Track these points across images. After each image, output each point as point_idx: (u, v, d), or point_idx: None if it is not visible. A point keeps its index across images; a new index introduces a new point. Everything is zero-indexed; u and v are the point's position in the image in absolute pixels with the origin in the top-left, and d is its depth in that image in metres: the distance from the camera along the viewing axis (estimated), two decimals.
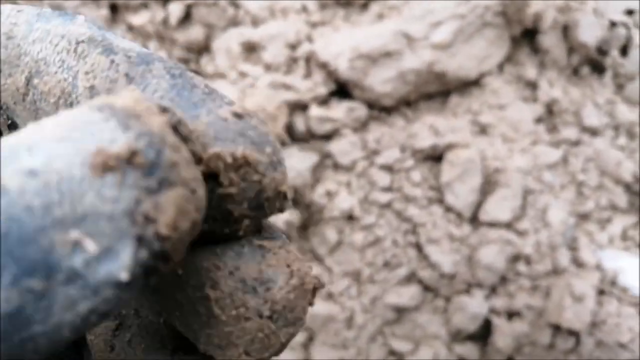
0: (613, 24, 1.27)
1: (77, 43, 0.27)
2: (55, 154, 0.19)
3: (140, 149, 0.20)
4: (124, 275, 0.19)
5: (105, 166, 0.19)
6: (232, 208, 0.25)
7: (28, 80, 0.28)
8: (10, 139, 0.20)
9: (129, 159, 0.20)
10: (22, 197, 0.19)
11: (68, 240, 0.19)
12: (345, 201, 1.17)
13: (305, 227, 1.18)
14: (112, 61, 0.27)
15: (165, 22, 1.37)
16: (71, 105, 0.27)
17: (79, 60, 0.27)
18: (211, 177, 0.25)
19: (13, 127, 0.30)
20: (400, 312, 1.12)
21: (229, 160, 0.25)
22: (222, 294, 0.26)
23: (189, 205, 0.21)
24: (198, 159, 0.24)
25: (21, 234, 0.18)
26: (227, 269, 0.26)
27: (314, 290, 0.29)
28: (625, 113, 1.23)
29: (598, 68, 1.28)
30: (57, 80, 0.27)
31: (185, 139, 0.23)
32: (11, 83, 0.29)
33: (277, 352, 0.28)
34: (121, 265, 0.19)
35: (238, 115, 0.26)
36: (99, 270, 0.19)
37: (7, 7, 0.30)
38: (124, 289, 0.20)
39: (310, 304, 0.28)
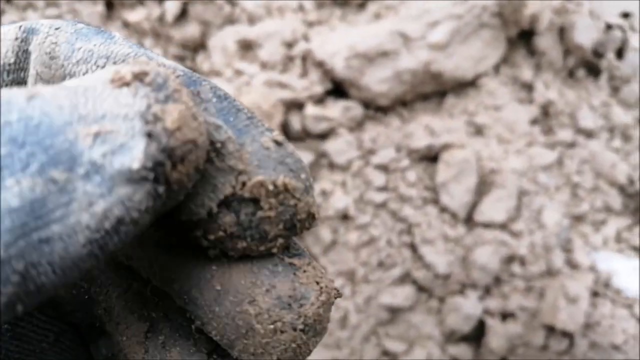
0: (609, 27, 1.27)
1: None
2: (83, 79, 0.24)
3: (150, 72, 0.24)
4: (135, 164, 0.22)
5: (122, 82, 0.23)
6: (269, 229, 0.28)
7: None
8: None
9: (141, 78, 0.23)
10: (55, 99, 0.22)
11: (90, 133, 0.22)
12: (340, 200, 1.16)
13: None
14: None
15: (161, 19, 1.37)
16: None
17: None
18: (252, 201, 0.27)
19: None
20: (394, 312, 1.12)
21: (271, 187, 0.27)
22: (260, 309, 0.28)
23: (191, 121, 0.24)
24: (241, 185, 0.27)
25: (51, 126, 0.21)
26: (264, 287, 0.29)
27: (333, 302, 0.32)
28: (621, 115, 1.24)
29: (594, 70, 1.28)
30: None
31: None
32: None
33: (305, 357, 0.30)
34: (134, 156, 0.22)
35: (278, 143, 0.28)
36: (114, 161, 0.22)
37: (45, 24, 0.32)
38: (135, 185, 0.22)
39: (337, 297, 0.32)
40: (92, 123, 0.22)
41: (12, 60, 0.32)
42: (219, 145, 0.27)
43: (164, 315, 0.32)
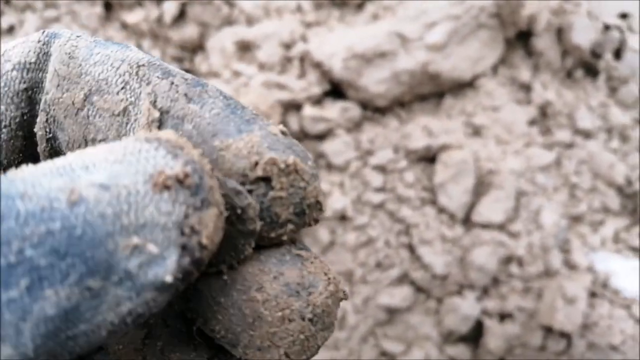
0: (607, 27, 1.27)
1: (138, 67, 0.31)
2: (119, 172, 0.23)
3: (190, 173, 0.23)
4: (168, 278, 0.22)
5: (164, 185, 0.23)
6: (280, 211, 0.28)
7: (86, 97, 0.31)
8: (58, 161, 0.23)
9: (182, 181, 0.23)
10: (98, 206, 0.22)
11: (129, 245, 0.22)
12: (338, 201, 1.16)
13: None
14: (172, 83, 0.30)
15: (159, 20, 1.37)
16: (127, 124, 0.30)
17: (141, 83, 0.30)
18: (264, 181, 0.28)
19: (53, 139, 0.33)
20: (392, 313, 1.12)
21: (282, 166, 0.28)
22: (268, 296, 0.28)
23: (220, 224, 0.25)
24: (254, 164, 0.28)
25: (94, 238, 0.21)
26: (272, 274, 0.28)
27: (340, 300, 0.31)
28: (619, 116, 1.23)
29: (592, 71, 1.28)
30: (119, 99, 0.30)
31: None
32: (67, 97, 0.31)
33: (313, 355, 0.30)
34: (168, 269, 0.22)
35: (284, 133, 0.29)
36: (149, 272, 0.22)
37: (67, 32, 0.33)
38: (164, 292, 0.23)
39: (344, 299, 0.31)
40: (133, 234, 0.22)
41: (33, 60, 0.33)
42: (239, 211, 0.28)
43: (162, 321, 0.32)
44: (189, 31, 1.37)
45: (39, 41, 0.33)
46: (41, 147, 0.33)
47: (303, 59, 1.27)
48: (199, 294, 0.29)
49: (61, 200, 0.21)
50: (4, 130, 0.33)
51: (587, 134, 1.23)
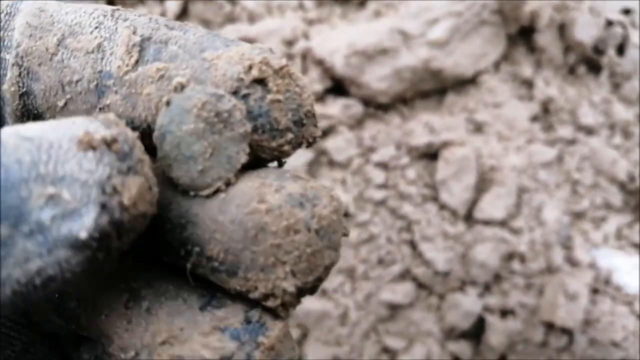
0: (609, 23, 1.27)
1: (114, 10, 0.30)
2: (47, 131, 0.23)
3: (119, 140, 0.23)
4: (83, 234, 0.21)
5: (89, 144, 0.23)
6: (279, 116, 0.27)
7: (60, 41, 0.30)
8: (9, 127, 0.23)
9: (109, 144, 0.23)
10: (16, 152, 0.21)
11: (45, 194, 0.21)
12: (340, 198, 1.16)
13: None
14: (151, 18, 0.30)
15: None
16: (102, 59, 0.29)
17: (117, 21, 0.29)
18: (260, 84, 0.27)
19: (26, 95, 0.32)
20: (394, 309, 1.12)
21: (276, 66, 0.27)
22: (271, 205, 0.26)
23: (148, 195, 0.24)
24: (248, 67, 0.27)
25: (6, 180, 0.21)
26: (273, 187, 0.27)
27: (344, 233, 0.29)
28: (621, 112, 1.23)
29: (594, 67, 1.28)
30: (93, 37, 0.30)
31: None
32: (40, 44, 0.31)
33: (320, 279, 0.28)
34: (84, 225, 0.21)
35: (272, 51, 0.29)
36: (62, 226, 0.21)
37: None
38: (78, 252, 0.22)
39: (345, 234, 0.29)
40: (49, 184, 0.21)
41: None
42: (225, 115, 0.27)
43: (146, 283, 0.30)
44: None
45: (6, 4, 0.32)
46: (12, 106, 0.32)
47: (305, 56, 1.27)
48: (195, 218, 0.27)
49: None
50: None
51: (589, 130, 1.23)
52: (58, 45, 0.30)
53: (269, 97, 0.27)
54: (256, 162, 0.29)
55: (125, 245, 0.24)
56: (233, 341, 0.27)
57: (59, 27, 0.31)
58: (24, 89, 0.32)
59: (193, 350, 0.27)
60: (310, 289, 0.28)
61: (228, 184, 0.28)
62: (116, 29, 0.30)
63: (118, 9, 0.30)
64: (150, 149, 0.29)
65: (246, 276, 0.27)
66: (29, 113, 0.33)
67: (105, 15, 0.30)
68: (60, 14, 0.31)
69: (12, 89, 0.32)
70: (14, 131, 0.22)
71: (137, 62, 0.29)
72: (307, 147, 0.30)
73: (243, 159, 0.27)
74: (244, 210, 0.26)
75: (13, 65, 0.31)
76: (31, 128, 0.23)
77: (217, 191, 0.27)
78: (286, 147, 0.28)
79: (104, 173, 0.22)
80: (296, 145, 0.29)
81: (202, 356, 0.27)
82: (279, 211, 0.26)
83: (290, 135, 0.28)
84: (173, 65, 0.28)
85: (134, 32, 0.29)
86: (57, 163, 0.22)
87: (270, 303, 0.27)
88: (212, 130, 0.27)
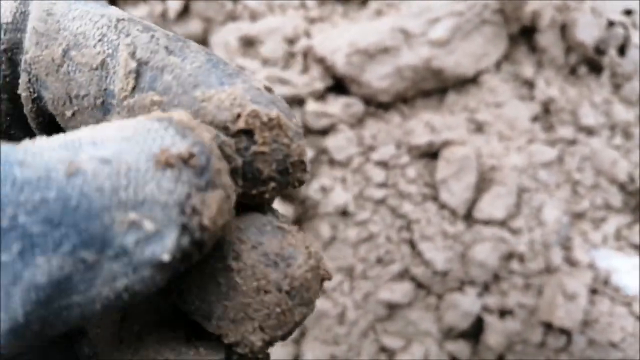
0: (611, 24, 1.26)
1: (118, 20, 0.30)
2: (123, 149, 0.22)
3: (196, 154, 0.23)
4: (166, 257, 0.22)
5: (167, 163, 0.23)
6: (262, 167, 0.27)
7: (65, 52, 0.30)
8: (69, 135, 0.23)
9: (186, 160, 0.23)
10: (95, 179, 0.22)
11: (126, 220, 0.22)
12: (339, 197, 1.16)
13: (299, 222, 1.18)
14: (152, 36, 0.29)
15: (163, 15, 1.38)
16: (106, 77, 0.29)
17: (119, 35, 0.29)
18: (247, 134, 0.27)
19: (38, 99, 0.32)
20: (392, 308, 1.12)
21: (265, 119, 0.27)
22: (244, 265, 0.27)
23: (226, 206, 0.24)
24: (236, 116, 0.27)
25: (89, 210, 0.21)
26: (250, 243, 0.27)
27: (323, 280, 0.30)
28: (622, 113, 1.23)
29: (595, 67, 1.28)
30: (96, 52, 0.29)
31: (226, 157, 0.27)
32: (47, 54, 0.30)
33: (290, 332, 0.28)
34: (165, 247, 0.22)
35: (268, 89, 0.29)
36: (145, 250, 0.22)
37: None
38: (161, 271, 0.22)
39: (327, 278, 0.30)
40: (131, 210, 0.22)
41: (9, 20, 0.32)
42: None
43: (139, 307, 0.31)
44: (193, 26, 1.37)
45: (16, 0, 0.32)
46: (27, 108, 0.32)
47: (306, 54, 1.27)
48: None
49: (59, 170, 0.21)
50: None
51: (590, 131, 1.22)
52: (63, 56, 0.30)
53: (254, 148, 0.27)
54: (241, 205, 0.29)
55: (210, 247, 0.25)
56: None
57: (64, 35, 0.30)
58: (35, 94, 0.32)
59: None
60: (280, 340, 0.29)
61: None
62: (118, 45, 0.30)
63: (122, 19, 0.30)
64: None
65: (218, 324, 0.27)
66: (44, 115, 0.33)
67: (109, 27, 0.30)
68: (67, 19, 0.31)
69: (24, 93, 0.32)
70: (92, 152, 0.22)
71: (134, 88, 0.29)
72: (293, 188, 0.30)
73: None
74: (218, 265, 0.27)
75: (23, 70, 0.32)
76: (106, 144, 0.23)
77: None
78: (267, 195, 0.29)
79: (183, 192, 0.23)
80: (279, 192, 0.29)
81: None
82: (251, 271, 0.27)
83: (272, 184, 0.28)
84: (166, 99, 0.28)
85: (133, 54, 0.29)
86: (137, 187, 0.22)
87: (240, 350, 0.28)
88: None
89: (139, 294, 0.23)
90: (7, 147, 0.22)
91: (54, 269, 0.21)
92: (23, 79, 0.32)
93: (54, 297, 0.21)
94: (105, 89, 0.30)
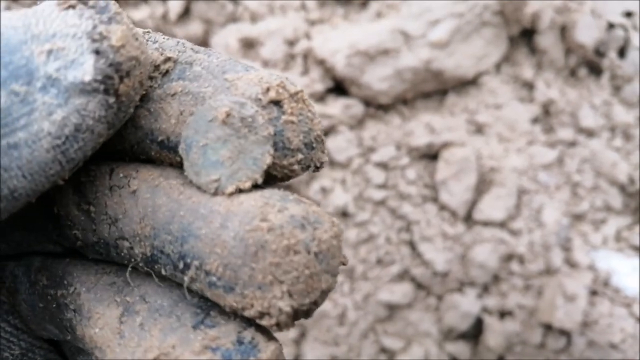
0: (611, 26, 1.27)
1: (144, 32, 0.32)
2: (34, 4, 0.26)
3: None
4: (87, 77, 0.24)
5: (68, 4, 0.25)
6: (292, 136, 0.29)
7: None
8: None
9: (85, 1, 0.26)
10: (9, 20, 0.25)
11: (43, 50, 0.24)
12: (339, 198, 1.17)
13: None
14: (178, 42, 0.32)
15: (164, 17, 1.38)
16: None
17: (147, 42, 0.32)
18: (276, 105, 0.29)
19: None
20: (392, 309, 1.12)
21: (292, 90, 0.29)
22: (273, 225, 0.27)
23: (133, 40, 0.26)
24: (265, 89, 0.29)
25: (8, 44, 0.24)
26: (276, 207, 0.27)
27: (341, 262, 0.30)
28: (622, 114, 1.23)
29: (595, 69, 1.28)
30: None
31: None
32: None
33: (316, 303, 0.28)
34: (85, 71, 0.25)
35: (287, 78, 0.31)
36: (68, 75, 0.24)
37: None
38: (88, 96, 0.25)
39: (338, 271, 0.29)
40: (45, 42, 0.24)
41: None
42: (249, 120, 0.28)
43: (140, 298, 0.30)
44: (194, 28, 1.37)
45: None
46: None
47: (306, 56, 1.28)
48: (198, 232, 0.28)
49: None
50: None
51: (590, 133, 1.23)
52: None
53: (284, 117, 0.29)
54: (265, 179, 0.30)
55: (132, 91, 0.27)
56: None
57: None
58: None
59: None
60: (305, 311, 0.28)
61: (255, 185, 0.29)
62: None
63: (148, 32, 0.32)
64: (169, 161, 0.31)
65: (243, 293, 0.27)
66: None
67: None
68: None
69: None
70: (3, 9, 0.26)
71: (164, 80, 0.31)
72: (314, 171, 0.32)
73: (268, 160, 0.28)
74: (246, 227, 0.27)
75: None
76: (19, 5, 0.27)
77: (241, 191, 0.28)
78: (296, 167, 0.30)
79: (89, 25, 0.25)
80: (305, 167, 0.30)
81: None
82: (280, 230, 0.27)
83: (300, 156, 0.29)
84: (196, 84, 0.30)
85: (161, 54, 0.31)
86: (45, 23, 0.25)
87: (265, 322, 0.27)
88: (238, 135, 0.28)
89: (80, 128, 0.25)
90: None
91: None
92: None
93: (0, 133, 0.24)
94: None
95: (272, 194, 0.28)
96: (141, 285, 0.31)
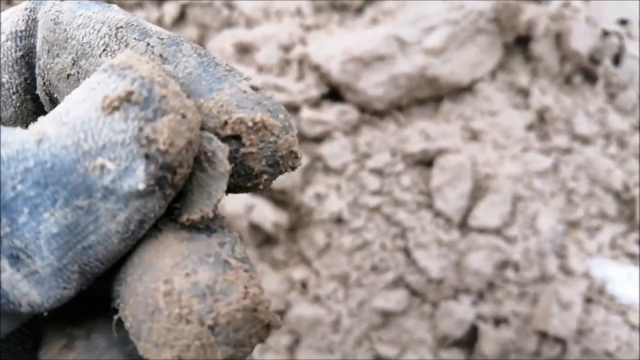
0: (606, 33, 1.27)
1: (117, 29, 0.32)
2: (76, 107, 0.26)
3: (135, 90, 0.26)
4: (141, 185, 0.25)
5: (112, 107, 0.25)
6: (253, 165, 0.30)
7: (74, 61, 0.33)
8: (47, 117, 0.27)
9: (128, 98, 0.25)
10: (59, 139, 0.25)
11: (96, 165, 0.25)
12: (334, 204, 1.16)
13: (293, 229, 1.17)
14: (148, 44, 0.32)
15: (160, 21, 1.37)
16: None
17: (120, 45, 0.32)
18: (235, 139, 0.29)
19: (53, 102, 0.35)
20: (387, 316, 1.12)
21: (250, 124, 0.29)
22: (171, 289, 0.27)
23: (181, 127, 0.26)
24: (223, 123, 0.29)
25: (63, 167, 0.25)
26: (186, 270, 0.27)
27: (268, 327, 0.29)
28: (617, 122, 1.23)
29: (590, 77, 1.28)
30: (101, 62, 0.32)
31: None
32: (58, 63, 0.33)
33: None
34: (139, 178, 0.25)
35: (255, 88, 0.30)
36: (123, 185, 0.25)
37: None
38: (146, 197, 0.26)
39: (261, 339, 0.29)
40: (96, 156, 0.25)
41: (22, 28, 0.35)
42: (210, 154, 0.29)
43: (85, 332, 0.31)
44: (189, 33, 1.37)
45: (26, 9, 0.35)
46: (47, 108, 0.35)
47: (302, 61, 1.27)
48: (128, 277, 0.28)
49: (30, 141, 0.25)
50: (13, 97, 0.36)
51: (585, 140, 1.23)
52: (73, 64, 0.33)
53: (242, 150, 0.29)
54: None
55: (186, 172, 0.27)
56: None
57: (72, 44, 0.33)
58: (51, 97, 0.35)
59: None
60: None
61: (205, 217, 0.29)
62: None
63: (121, 27, 0.32)
64: None
65: (145, 346, 0.28)
66: None
67: (110, 36, 0.32)
68: (73, 27, 0.33)
69: (42, 95, 0.35)
70: (52, 118, 0.26)
71: None
72: (287, 172, 0.33)
73: (221, 195, 0.29)
74: (151, 285, 0.27)
75: (38, 75, 0.34)
76: (63, 108, 0.26)
77: (186, 224, 0.29)
78: (261, 186, 0.31)
79: (135, 127, 0.25)
80: (272, 180, 0.32)
81: None
82: (177, 297, 0.27)
83: (265, 177, 0.30)
84: None
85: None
86: (94, 136, 0.25)
87: None
88: (200, 168, 0.29)
89: (143, 221, 0.27)
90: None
91: (60, 219, 0.25)
92: (39, 83, 0.34)
93: (73, 241, 0.26)
94: None
95: (192, 251, 0.28)
96: (92, 318, 0.32)
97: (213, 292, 0.27)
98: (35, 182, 0.25)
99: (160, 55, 0.31)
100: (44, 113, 0.35)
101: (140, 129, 0.25)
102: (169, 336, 0.27)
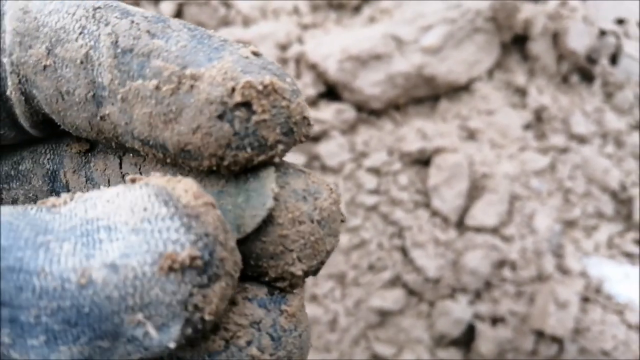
0: (603, 33, 1.27)
1: (95, 9, 0.30)
2: (131, 249, 0.24)
3: (199, 254, 0.24)
4: (172, 345, 0.25)
5: (171, 268, 0.24)
6: (267, 134, 0.28)
7: (49, 50, 0.30)
8: (84, 212, 0.26)
9: (190, 263, 0.24)
10: (105, 289, 0.24)
11: (134, 319, 0.24)
12: None
13: None
14: (132, 21, 0.29)
15: None
16: (92, 70, 0.29)
17: (99, 25, 0.29)
18: (245, 106, 0.27)
19: (31, 99, 0.32)
20: (384, 315, 1.12)
21: (260, 87, 0.27)
22: (277, 202, 0.29)
23: (229, 291, 0.26)
24: (230, 90, 0.27)
25: (100, 315, 0.24)
26: (278, 184, 0.29)
27: (341, 220, 0.32)
28: (614, 121, 1.23)
29: (587, 76, 1.28)
30: (78, 46, 0.30)
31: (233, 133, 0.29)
32: (32, 54, 0.31)
33: (322, 262, 0.31)
34: (171, 337, 0.24)
35: (256, 54, 0.29)
36: (153, 340, 0.25)
37: None
38: (170, 350, 0.25)
39: (342, 220, 0.32)
40: (138, 312, 0.24)
41: None
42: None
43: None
44: None
45: None
46: (20, 109, 0.32)
47: (299, 60, 1.27)
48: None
49: (72, 281, 0.24)
50: None
51: (582, 139, 1.23)
52: (48, 54, 0.30)
53: (254, 118, 0.28)
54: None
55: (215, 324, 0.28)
56: (261, 309, 0.30)
57: (45, 32, 0.30)
58: (27, 95, 0.32)
59: None
60: (313, 271, 0.31)
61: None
62: (99, 35, 0.29)
63: (99, 8, 0.30)
64: (153, 156, 0.31)
65: (257, 264, 0.29)
66: (38, 114, 0.33)
67: (87, 17, 0.30)
68: (44, 14, 0.30)
69: (16, 94, 0.32)
70: (103, 258, 0.24)
71: (124, 77, 0.29)
72: (300, 143, 0.32)
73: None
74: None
75: (11, 73, 0.31)
76: (118, 234, 0.25)
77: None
78: (276, 159, 0.30)
79: (186, 292, 0.24)
80: (287, 151, 0.30)
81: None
82: (284, 205, 0.29)
83: (280, 147, 0.29)
84: (155, 82, 0.29)
85: (116, 43, 0.29)
86: (142, 292, 0.24)
87: (279, 284, 0.30)
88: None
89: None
90: (29, 253, 0.24)
91: (75, 354, 0.24)
92: (13, 81, 0.32)
93: None
94: (94, 82, 0.30)
95: (270, 172, 0.30)
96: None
97: (310, 193, 0.30)
98: (64, 319, 0.24)
99: (148, 32, 0.29)
100: (8, 113, 0.33)
101: (191, 295, 0.24)
102: (286, 241, 0.29)
